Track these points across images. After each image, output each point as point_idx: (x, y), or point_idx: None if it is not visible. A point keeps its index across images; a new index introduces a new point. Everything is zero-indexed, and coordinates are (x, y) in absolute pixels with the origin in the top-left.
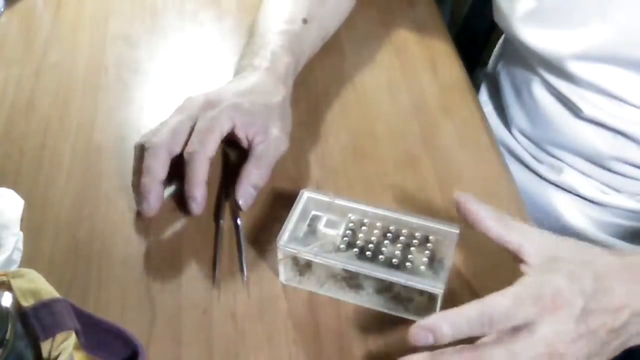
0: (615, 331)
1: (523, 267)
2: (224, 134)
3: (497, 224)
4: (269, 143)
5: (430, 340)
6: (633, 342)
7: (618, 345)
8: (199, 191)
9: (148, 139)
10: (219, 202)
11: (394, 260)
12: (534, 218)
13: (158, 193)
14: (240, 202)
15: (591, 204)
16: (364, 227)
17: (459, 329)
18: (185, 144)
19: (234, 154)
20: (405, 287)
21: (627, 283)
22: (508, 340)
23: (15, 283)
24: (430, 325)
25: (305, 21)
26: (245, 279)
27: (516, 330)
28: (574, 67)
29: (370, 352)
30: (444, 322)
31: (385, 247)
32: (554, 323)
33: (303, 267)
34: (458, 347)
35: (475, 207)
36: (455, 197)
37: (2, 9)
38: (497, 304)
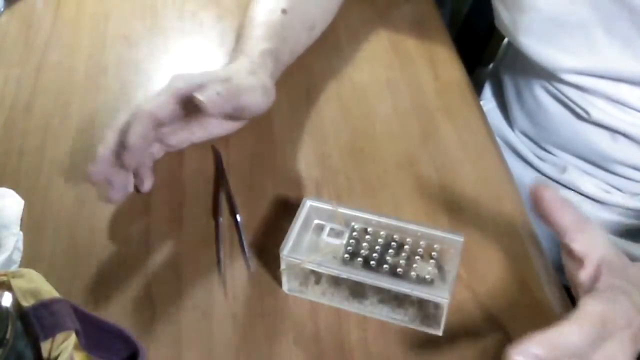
0: None
1: (584, 278)
2: (179, 94)
3: (570, 220)
4: (248, 81)
5: None
6: None
7: None
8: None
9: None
10: (216, 200)
11: (398, 269)
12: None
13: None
14: (202, 99)
15: (593, 201)
16: (367, 236)
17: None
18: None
19: (226, 154)
20: (410, 297)
21: None
22: None
23: (15, 283)
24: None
25: (284, 11)
26: (252, 270)
27: None
28: (577, 79)
29: (370, 353)
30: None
31: (390, 256)
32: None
33: (306, 277)
34: None
35: (558, 205)
36: (535, 191)
37: (2, 9)
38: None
